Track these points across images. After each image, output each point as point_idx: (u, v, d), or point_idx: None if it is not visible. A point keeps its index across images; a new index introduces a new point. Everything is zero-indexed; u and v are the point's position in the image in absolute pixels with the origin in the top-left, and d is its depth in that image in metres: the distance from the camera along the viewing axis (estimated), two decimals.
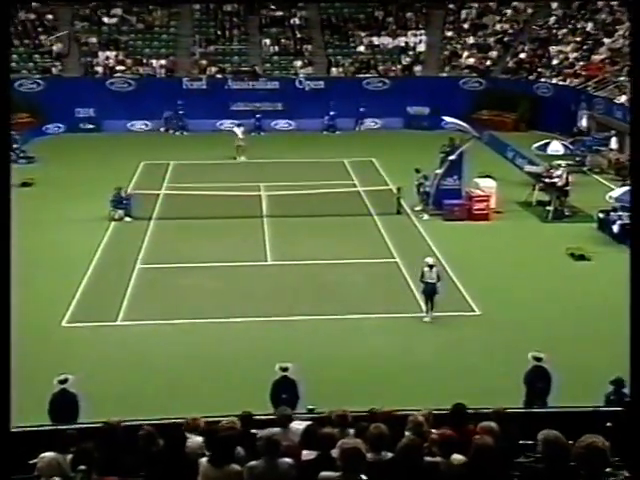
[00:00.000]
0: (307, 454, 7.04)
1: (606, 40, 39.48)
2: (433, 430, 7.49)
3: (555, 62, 40.89)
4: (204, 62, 42.59)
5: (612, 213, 23.62)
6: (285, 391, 12.50)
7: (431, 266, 17.76)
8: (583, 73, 38.49)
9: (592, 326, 17.47)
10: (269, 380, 12.70)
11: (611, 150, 32.58)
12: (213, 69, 42.38)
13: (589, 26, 41.62)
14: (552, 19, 43.79)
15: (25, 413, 8.66)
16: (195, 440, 7.68)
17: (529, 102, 39.96)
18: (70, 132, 39.41)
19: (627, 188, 21.77)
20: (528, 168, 29.68)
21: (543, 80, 40.14)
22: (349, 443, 6.03)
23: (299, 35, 44.60)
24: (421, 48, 44.13)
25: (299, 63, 43.03)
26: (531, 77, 40.93)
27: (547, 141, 31.06)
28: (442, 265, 20.39)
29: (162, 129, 40.46)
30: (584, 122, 36.33)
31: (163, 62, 42.76)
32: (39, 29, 43.17)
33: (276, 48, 44.04)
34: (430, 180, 26.23)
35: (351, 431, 7.80)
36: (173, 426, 8.39)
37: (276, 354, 14.70)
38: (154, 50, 43.64)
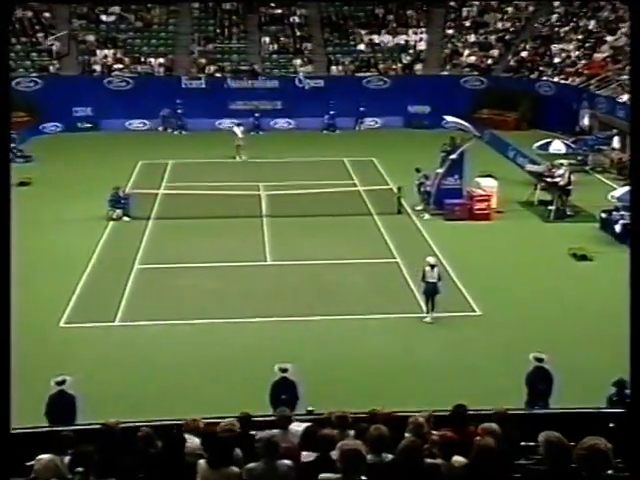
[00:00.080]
0: (306, 455, 7.01)
1: (608, 38, 39.44)
2: (434, 431, 7.44)
3: (557, 60, 40.84)
4: (203, 61, 42.52)
5: (614, 213, 23.56)
6: (284, 392, 12.42)
7: (432, 266, 17.70)
8: (585, 71, 38.45)
9: (594, 327, 17.37)
10: (268, 381, 12.62)
11: (613, 149, 32.54)
12: (212, 68, 42.31)
13: (591, 24, 41.60)
14: (554, 17, 43.78)
15: (22, 414, 8.59)
16: (194, 442, 7.61)
17: (531, 101, 39.91)
18: (68, 131, 39.37)
19: (629, 187, 21.65)
20: (530, 167, 29.56)
21: (545, 78, 40.10)
22: (349, 444, 6.01)
23: (299, 33, 44.55)
24: (422, 46, 44.09)
25: (299, 62, 42.97)
26: (533, 75, 40.88)
27: (549, 140, 31.05)
28: (443, 265, 20.30)
29: (160, 128, 40.39)
30: (586, 121, 36.26)
31: (162, 60, 42.71)
32: (36, 27, 43.11)
33: (275, 46, 44.00)
34: (431, 179, 26.16)
35: (351, 432, 7.73)
36: (172, 427, 8.33)
37: (275, 355, 14.64)
38: (152, 48, 43.57)
